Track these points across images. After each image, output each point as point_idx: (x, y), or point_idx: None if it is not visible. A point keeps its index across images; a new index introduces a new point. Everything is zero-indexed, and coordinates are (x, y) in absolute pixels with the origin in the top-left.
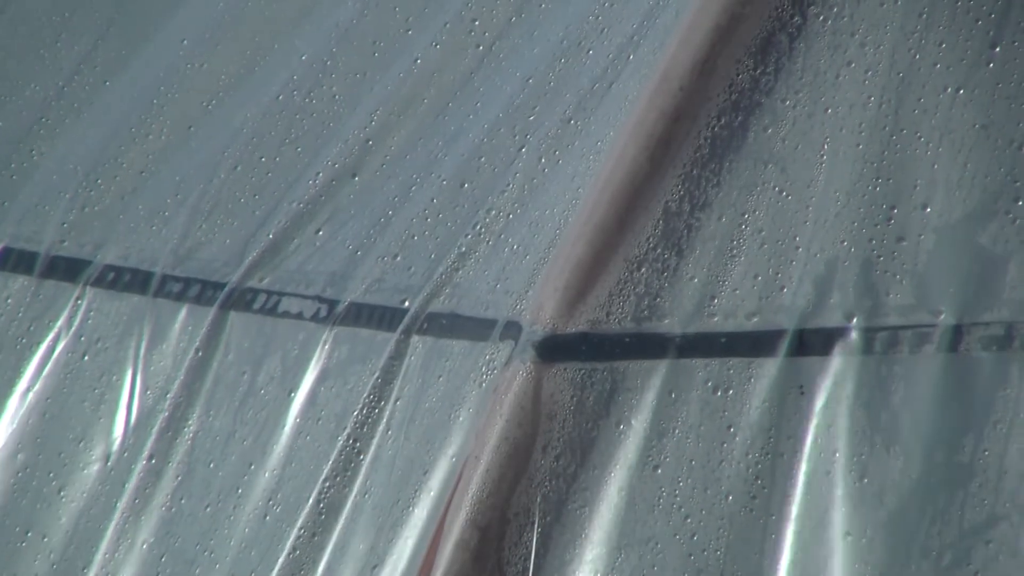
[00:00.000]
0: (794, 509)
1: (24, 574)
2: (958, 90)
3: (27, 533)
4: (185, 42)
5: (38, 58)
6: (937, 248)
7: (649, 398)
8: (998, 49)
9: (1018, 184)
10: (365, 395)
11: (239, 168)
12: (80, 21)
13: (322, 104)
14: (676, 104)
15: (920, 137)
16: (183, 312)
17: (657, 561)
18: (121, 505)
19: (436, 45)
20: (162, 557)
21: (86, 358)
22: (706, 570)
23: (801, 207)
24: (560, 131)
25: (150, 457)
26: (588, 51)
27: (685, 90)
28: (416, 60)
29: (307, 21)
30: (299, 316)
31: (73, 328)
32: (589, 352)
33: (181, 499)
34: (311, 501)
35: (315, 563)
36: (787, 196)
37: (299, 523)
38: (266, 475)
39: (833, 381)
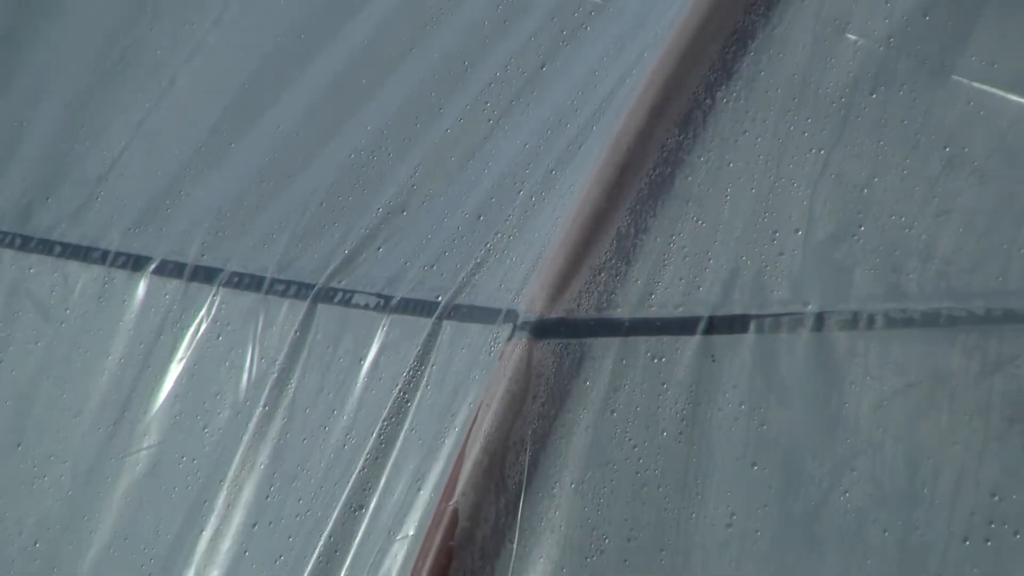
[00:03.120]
0: (711, 443)
1: (181, 488)
2: (820, 151)
3: (182, 458)
4: (290, 114)
5: (186, 123)
6: (806, 260)
7: (607, 364)
8: (847, 122)
9: (860, 215)
10: (411, 362)
11: (323, 204)
12: (212, 94)
13: (381, 160)
14: (626, 160)
15: (794, 183)
16: (286, 305)
17: (614, 476)
18: (245, 439)
19: (461, 120)
20: (273, 474)
21: (220, 337)
22: (648, 484)
23: (712, 232)
24: (546, 179)
25: (264, 405)
26: (567, 124)
27: (631, 150)
28: (447, 130)
29: (370, 104)
30: (366, 307)
31: (211, 316)
32: (566, 332)
33: (287, 434)
34: (374, 436)
35: (378, 479)
36: (702, 224)
37: (366, 451)
38: (344, 418)
39: (735, 353)
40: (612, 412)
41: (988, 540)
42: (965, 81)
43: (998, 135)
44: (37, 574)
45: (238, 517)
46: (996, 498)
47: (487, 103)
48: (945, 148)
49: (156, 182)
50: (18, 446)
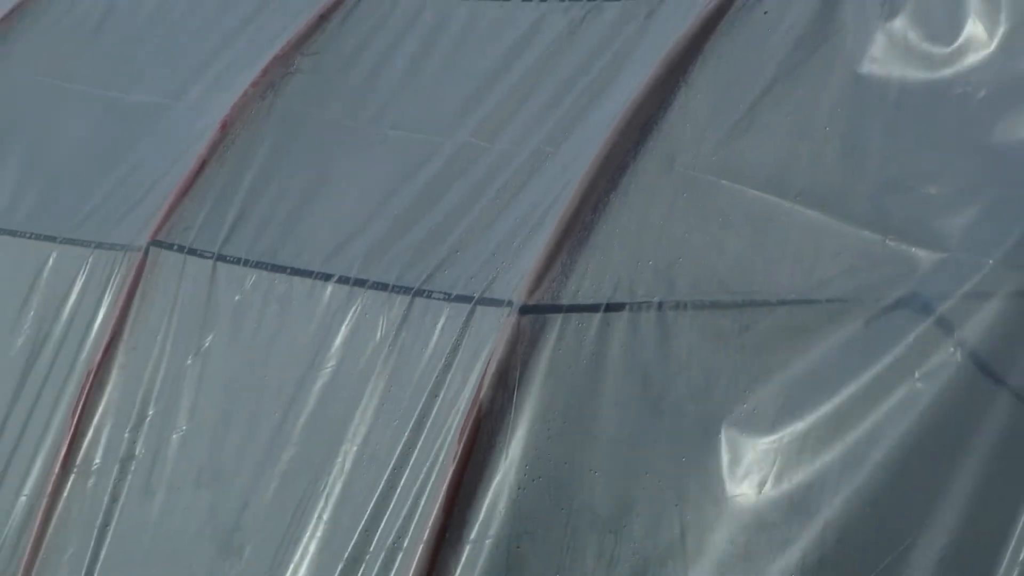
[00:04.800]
0: (606, 364)
1: (343, 397)
2: (662, 223)
3: (339, 376)
4: (402, 205)
5: (347, 213)
6: (656, 276)
7: (556, 327)
8: (674, 205)
9: (681, 252)
10: (460, 326)
11: (416, 250)
12: (362, 198)
13: (443, 231)
14: (565, 230)
15: (651, 240)
16: (398, 299)
17: (561, 381)
18: (377, 363)
19: (484, 209)
20: (391, 379)
21: (367, 315)
22: (577, 386)
23: (609, 264)
24: (528, 237)
25: (390, 347)
26: (537, 212)
27: (568, 227)
28: (477, 214)
29: (439, 202)
30: (439, 299)
31: (362, 306)
32: (536, 311)
33: (399, 357)
34: (442, 363)
35: (443, 383)
36: (605, 260)
37: (437, 371)
38: (426, 354)
39: (619, 322)
40: (560, 351)
41: (707, 429)
42: (726, 183)
43: (748, 213)
44: (243, 439)
45: (372, 406)
46: (737, 403)
47: (497, 199)
48: (719, 220)
49: (336, 240)
50: (259, 376)
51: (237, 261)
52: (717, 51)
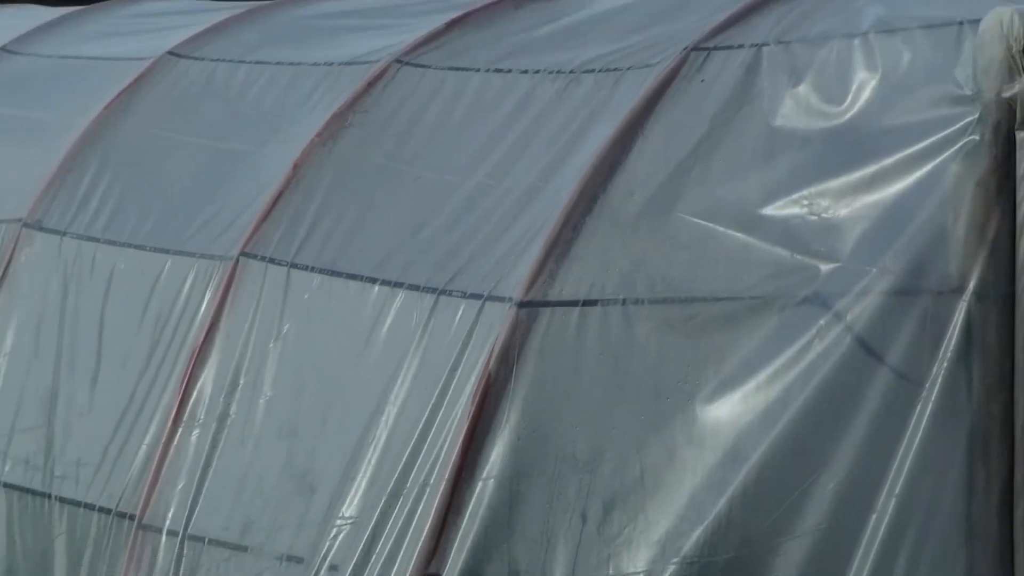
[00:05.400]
0: (585, 346)
1: (385, 358)
2: (625, 248)
3: (382, 350)
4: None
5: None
6: (621, 281)
7: (546, 317)
8: (634, 233)
9: (636, 267)
10: (473, 317)
11: (441, 265)
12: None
13: (462, 254)
14: (549, 249)
15: (612, 263)
16: (427, 297)
17: (547, 357)
18: (412, 344)
19: (485, 238)
20: (424, 352)
21: (405, 308)
22: (559, 358)
23: (587, 272)
24: (524, 251)
25: (423, 333)
26: (528, 236)
27: (551, 248)
28: (482, 240)
29: (437, 237)
30: (457, 297)
31: (400, 304)
32: (531, 306)
33: (430, 337)
34: (461, 341)
35: (462, 356)
36: (582, 268)
37: (458, 348)
38: (450, 334)
39: (592, 314)
40: (548, 336)
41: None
42: (674, 210)
43: (691, 233)
44: (313, 403)
45: (408, 377)
46: (683, 376)
47: (501, 222)
48: (670, 238)
49: (381, 252)
50: (324, 356)
51: (306, 268)
52: (666, 110)
